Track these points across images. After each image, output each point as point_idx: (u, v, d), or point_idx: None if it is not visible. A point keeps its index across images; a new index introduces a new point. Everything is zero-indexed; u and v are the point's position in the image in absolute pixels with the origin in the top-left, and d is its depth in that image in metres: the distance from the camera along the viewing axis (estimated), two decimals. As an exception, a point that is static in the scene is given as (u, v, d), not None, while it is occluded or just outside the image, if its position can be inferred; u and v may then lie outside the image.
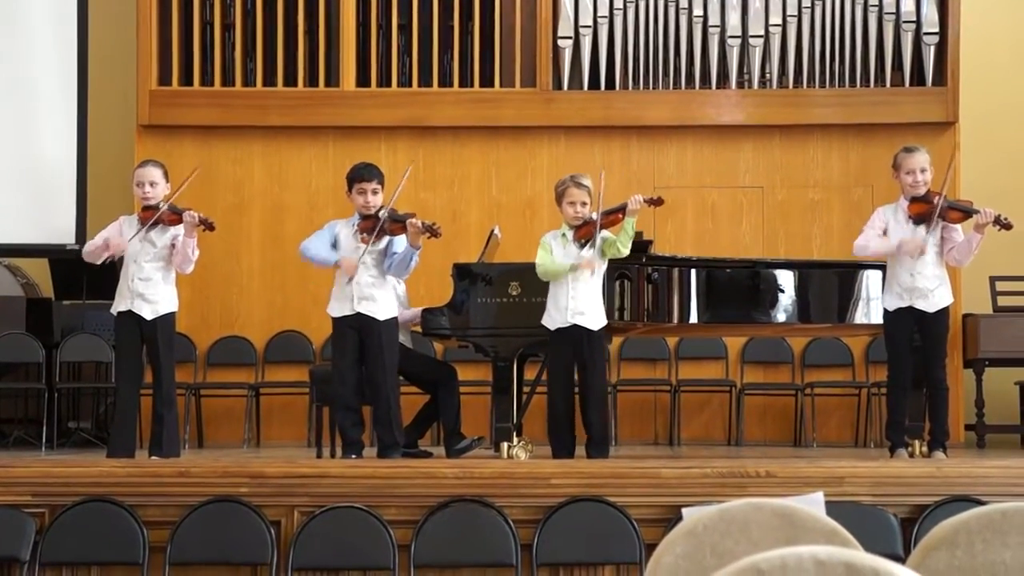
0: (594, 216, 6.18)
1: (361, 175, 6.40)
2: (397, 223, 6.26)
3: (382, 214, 6.27)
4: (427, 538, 5.07)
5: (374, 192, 6.36)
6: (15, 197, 9.05)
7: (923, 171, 6.35)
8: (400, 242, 6.32)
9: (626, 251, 6.16)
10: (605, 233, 6.23)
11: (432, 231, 6.16)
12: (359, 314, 6.29)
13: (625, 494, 5.17)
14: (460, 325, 6.72)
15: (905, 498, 5.19)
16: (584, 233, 6.21)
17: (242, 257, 9.12)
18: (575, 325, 6.19)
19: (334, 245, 6.43)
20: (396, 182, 6.48)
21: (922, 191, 6.35)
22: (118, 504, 5.14)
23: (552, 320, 6.26)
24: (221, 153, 9.16)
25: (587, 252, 6.18)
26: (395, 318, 6.42)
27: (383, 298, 6.35)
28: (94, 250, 6.34)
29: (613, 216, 6.21)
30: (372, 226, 6.25)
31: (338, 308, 6.35)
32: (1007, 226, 6.23)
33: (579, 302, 6.19)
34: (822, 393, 8.80)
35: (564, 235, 6.29)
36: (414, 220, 6.20)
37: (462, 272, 6.77)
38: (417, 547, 5.06)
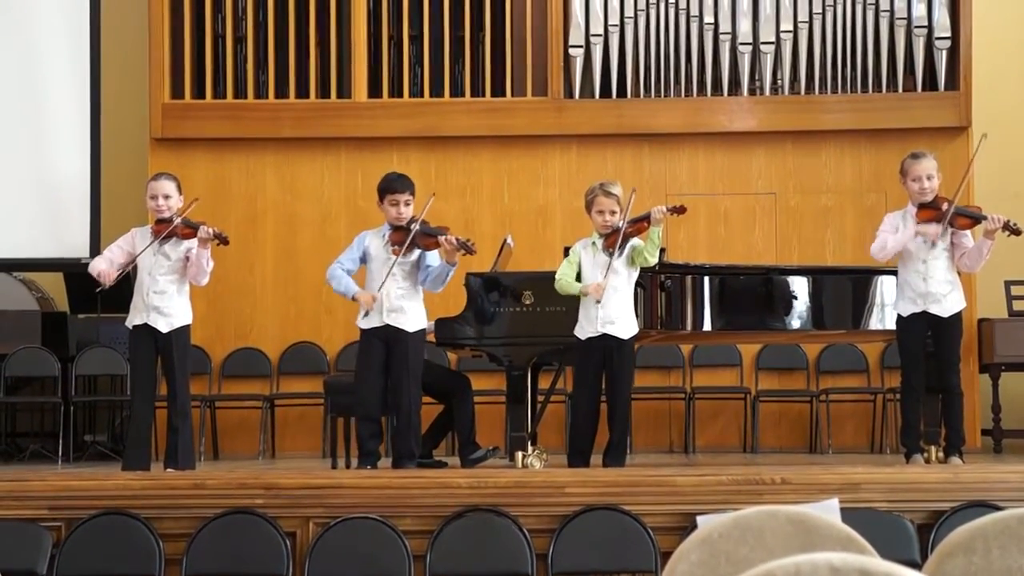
0: (621, 226, 6.18)
1: (393, 187, 6.40)
2: (429, 237, 6.26)
3: (413, 227, 6.27)
4: (442, 548, 5.07)
5: (406, 204, 6.36)
6: (29, 211, 9.09)
7: (930, 178, 6.34)
8: (434, 256, 6.31)
9: (653, 260, 6.16)
10: (636, 241, 6.22)
11: (467, 248, 6.16)
12: (388, 326, 6.30)
13: (640, 502, 5.16)
14: (474, 335, 6.71)
15: (921, 504, 5.17)
16: (612, 242, 6.20)
17: (256, 269, 9.13)
18: (605, 334, 6.18)
19: (363, 257, 6.44)
20: (426, 193, 6.50)
21: (929, 197, 6.34)
22: (134, 517, 5.15)
23: (583, 331, 6.25)
24: (234, 165, 9.19)
25: (615, 260, 6.17)
26: (423, 330, 6.41)
27: (412, 310, 6.35)
28: (95, 274, 6.31)
29: (638, 225, 6.21)
30: (403, 239, 6.25)
31: (367, 320, 6.35)
32: (1016, 232, 6.22)
33: (609, 311, 6.17)
34: (837, 399, 8.77)
35: (594, 243, 6.28)
36: (449, 237, 6.18)
37: (475, 282, 6.76)
38: (433, 557, 5.06)
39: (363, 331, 6.39)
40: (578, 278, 6.27)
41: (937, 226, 6.23)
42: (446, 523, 5.12)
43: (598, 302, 6.10)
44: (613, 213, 6.23)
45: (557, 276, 6.26)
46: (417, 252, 6.34)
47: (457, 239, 6.17)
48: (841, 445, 8.74)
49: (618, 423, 6.25)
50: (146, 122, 9.14)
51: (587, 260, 6.28)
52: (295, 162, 9.21)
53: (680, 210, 6.23)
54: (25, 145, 9.17)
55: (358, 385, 6.46)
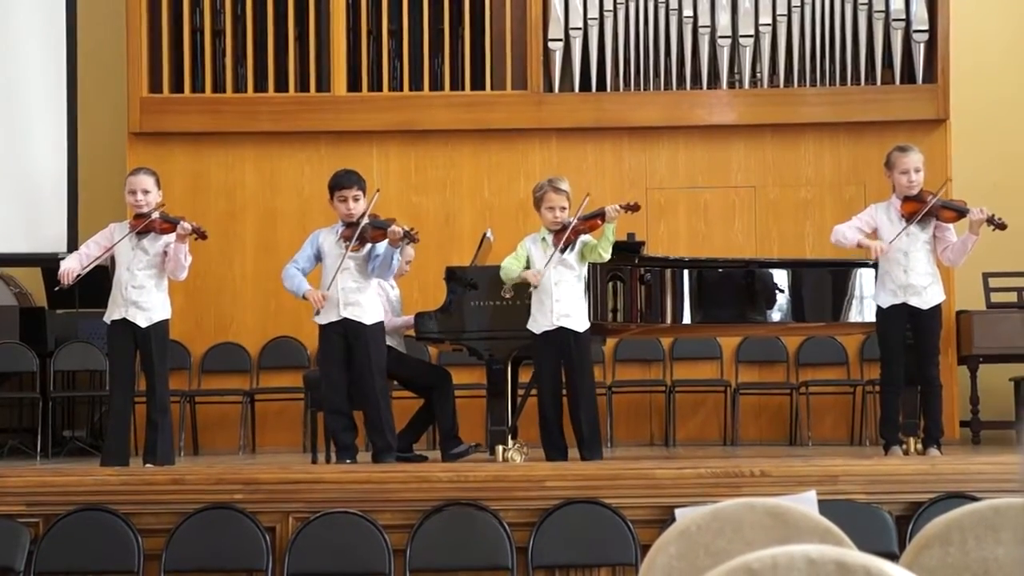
0: (571, 221, 6.19)
1: (340, 183, 6.46)
2: (378, 230, 6.32)
3: (363, 221, 6.31)
4: (422, 542, 5.08)
5: (355, 199, 6.40)
6: (6, 206, 9.04)
7: (917, 171, 6.36)
8: (382, 245, 6.36)
9: (607, 256, 6.18)
10: (587, 237, 6.25)
11: (411, 237, 6.24)
12: (345, 319, 6.33)
13: (620, 495, 5.17)
14: (454, 329, 6.72)
15: (900, 495, 5.20)
16: (561, 238, 6.21)
17: (235, 263, 9.10)
18: (561, 328, 6.20)
19: (319, 254, 6.46)
20: (378, 188, 6.54)
21: (916, 191, 6.36)
22: (113, 512, 5.14)
23: (537, 324, 6.27)
24: (213, 160, 9.15)
25: (567, 255, 6.20)
26: (381, 322, 6.45)
27: (368, 303, 6.39)
28: (61, 273, 6.26)
29: (591, 222, 6.22)
30: (354, 234, 6.30)
31: (324, 315, 6.38)
32: (1001, 226, 6.24)
33: (563, 305, 6.21)
34: (817, 392, 8.80)
35: (544, 239, 6.31)
36: (394, 228, 6.24)
37: (455, 275, 6.77)
38: (412, 551, 5.06)
39: (322, 327, 6.42)
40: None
41: (885, 248, 6.24)
42: (426, 517, 5.12)
43: (535, 287, 6.14)
44: (563, 209, 6.25)
45: (502, 265, 6.27)
46: (368, 246, 6.36)
47: (402, 229, 6.22)
48: (821, 437, 8.76)
49: (585, 416, 6.27)
50: (124, 116, 9.09)
51: (537, 255, 6.30)
52: (274, 156, 9.18)
53: (634, 207, 6.25)
54: (2, 139, 9.11)
55: (322, 380, 6.49)
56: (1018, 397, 8.80)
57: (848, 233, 6.42)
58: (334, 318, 6.35)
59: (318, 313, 6.39)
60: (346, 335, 6.34)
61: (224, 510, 5.14)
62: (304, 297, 6.44)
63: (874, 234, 6.43)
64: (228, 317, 9.09)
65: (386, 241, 6.31)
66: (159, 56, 9.17)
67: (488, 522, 5.09)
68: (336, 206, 6.45)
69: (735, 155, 9.18)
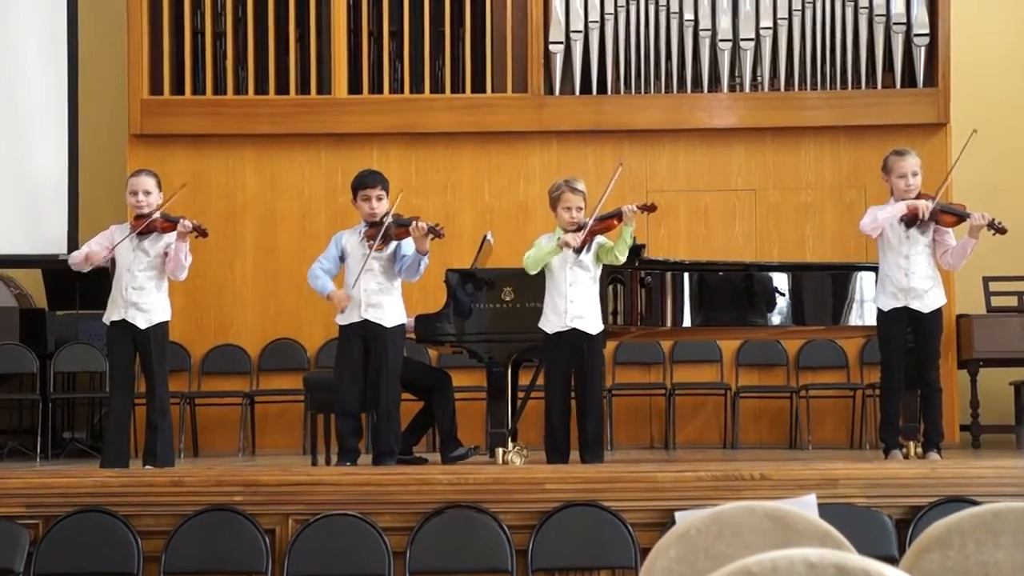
0: (588, 222, 6.17)
1: (365, 182, 6.45)
2: (402, 227, 6.31)
3: (386, 220, 6.30)
4: (422, 545, 5.07)
5: (378, 199, 6.40)
6: (7, 208, 9.05)
7: (915, 174, 6.35)
8: (408, 245, 6.36)
9: (623, 258, 6.15)
10: (602, 239, 6.23)
11: (435, 232, 6.22)
12: (366, 321, 6.32)
13: (620, 499, 5.17)
14: (454, 331, 6.71)
15: (899, 499, 5.19)
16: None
17: (235, 265, 9.11)
18: (574, 329, 6.18)
19: (342, 256, 6.47)
20: (402, 188, 6.53)
21: (913, 195, 6.35)
22: (112, 514, 5.13)
23: (550, 324, 6.24)
24: (213, 162, 9.16)
25: (583, 256, 6.18)
26: (402, 325, 6.43)
27: (390, 305, 6.38)
28: (78, 261, 6.32)
29: (607, 222, 6.19)
30: (378, 233, 6.28)
31: (345, 316, 6.37)
32: (1001, 230, 6.22)
33: (578, 306, 6.18)
34: (817, 395, 8.80)
35: (560, 239, 6.28)
36: (419, 224, 6.22)
37: (455, 278, 6.76)
38: (412, 554, 5.05)
39: (342, 327, 6.41)
40: (542, 279, 6.26)
41: (928, 203, 6.23)
42: (426, 519, 5.12)
43: (577, 251, 6.09)
44: (579, 209, 6.23)
45: (527, 255, 6.24)
46: (393, 245, 6.36)
47: (427, 224, 6.21)
48: (821, 441, 8.76)
49: (592, 419, 6.25)
50: (125, 118, 9.10)
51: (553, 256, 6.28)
52: (275, 158, 9.19)
53: (651, 208, 6.22)
54: (2, 141, 9.12)
55: (337, 382, 6.47)
56: (1018, 401, 8.80)
57: (880, 214, 6.33)
58: (355, 319, 6.35)
59: (343, 312, 6.38)
60: (365, 336, 6.34)
61: (224, 512, 5.14)
62: (328, 298, 6.43)
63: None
64: (228, 319, 9.10)
65: (412, 241, 6.30)
66: (160, 58, 9.17)
67: (488, 525, 5.09)
68: (359, 206, 6.45)
69: (735, 158, 9.19)
